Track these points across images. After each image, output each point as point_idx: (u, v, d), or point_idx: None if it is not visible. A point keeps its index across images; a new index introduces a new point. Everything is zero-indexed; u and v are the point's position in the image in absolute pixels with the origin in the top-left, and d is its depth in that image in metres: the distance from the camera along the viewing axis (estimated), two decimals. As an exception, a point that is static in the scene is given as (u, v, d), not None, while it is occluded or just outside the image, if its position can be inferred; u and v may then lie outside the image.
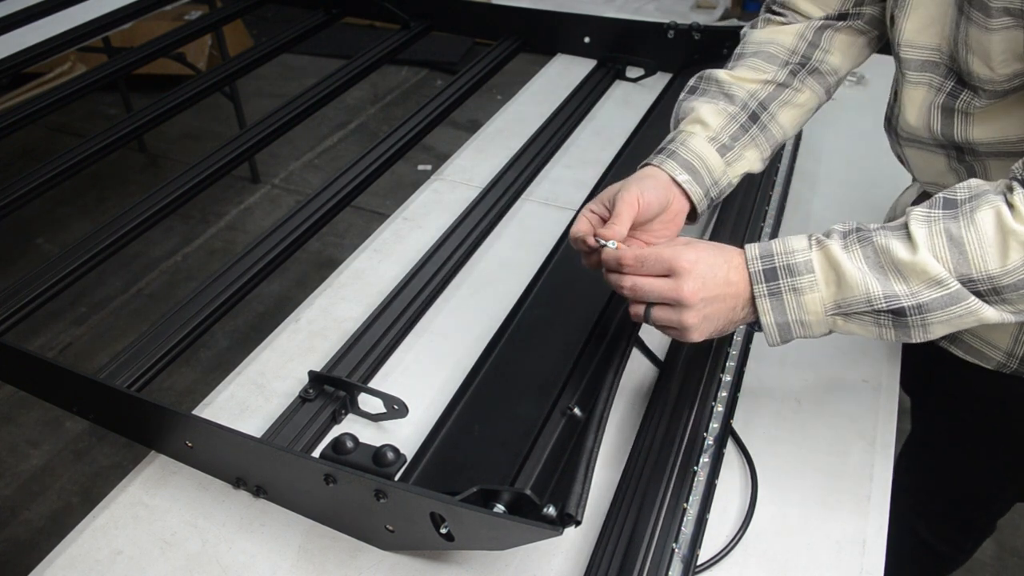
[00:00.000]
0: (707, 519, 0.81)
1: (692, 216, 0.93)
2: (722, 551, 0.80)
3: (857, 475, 0.88)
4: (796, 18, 1.00)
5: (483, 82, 1.66)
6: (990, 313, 0.70)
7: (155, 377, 0.99)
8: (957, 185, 0.73)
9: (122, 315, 2.72)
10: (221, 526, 0.83)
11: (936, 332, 0.72)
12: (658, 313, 0.78)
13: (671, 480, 0.82)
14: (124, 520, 0.83)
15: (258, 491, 0.85)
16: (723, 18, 4.04)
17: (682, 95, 1.00)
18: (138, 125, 1.52)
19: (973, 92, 0.81)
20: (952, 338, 1.01)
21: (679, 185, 0.90)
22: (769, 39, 1.00)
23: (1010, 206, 0.68)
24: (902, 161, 0.99)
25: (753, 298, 0.76)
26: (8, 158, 3.42)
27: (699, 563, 0.78)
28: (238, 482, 0.86)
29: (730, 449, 0.90)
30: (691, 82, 1.00)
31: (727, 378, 0.95)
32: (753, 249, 0.77)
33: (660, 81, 1.64)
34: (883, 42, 0.99)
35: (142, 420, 0.90)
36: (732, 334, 1.00)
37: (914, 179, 1.03)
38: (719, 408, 0.91)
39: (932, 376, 1.14)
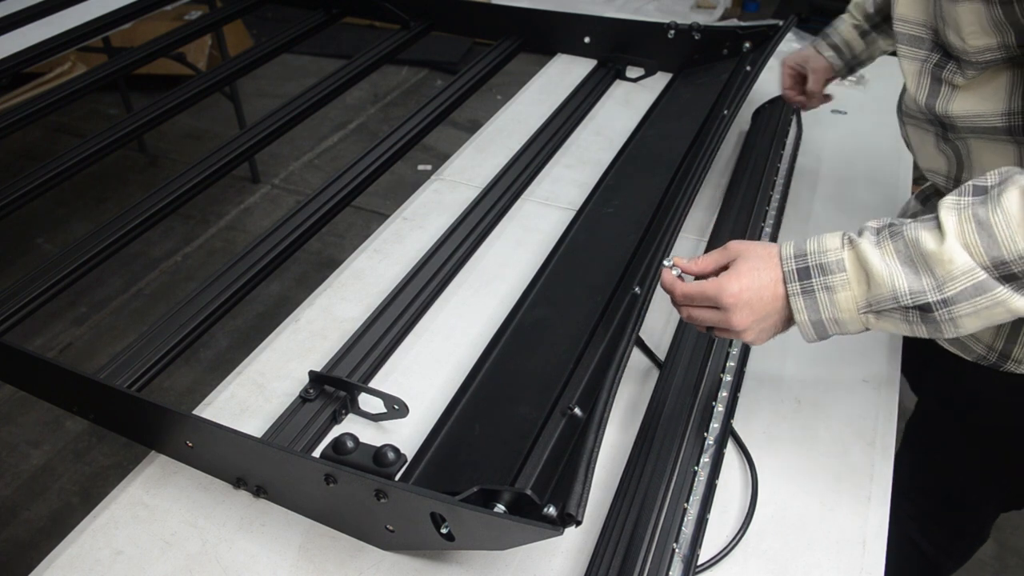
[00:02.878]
0: (707, 519, 0.81)
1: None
2: (722, 551, 0.80)
3: (857, 475, 0.88)
4: None
5: (483, 82, 1.66)
6: (1019, 303, 0.69)
7: (155, 377, 0.99)
8: (989, 172, 0.73)
9: (122, 315, 2.71)
10: (221, 526, 0.83)
11: (967, 326, 0.72)
12: (719, 333, 0.83)
13: (671, 480, 0.82)
14: (124, 520, 0.83)
15: (258, 491, 0.85)
16: (723, 18, 4.04)
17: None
18: (138, 125, 1.52)
19: (956, 64, 0.84)
20: None
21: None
22: None
23: None
24: (908, 145, 1.01)
25: (787, 295, 0.78)
26: (8, 158, 3.42)
27: (699, 563, 0.78)
28: (238, 482, 0.86)
29: (730, 449, 0.90)
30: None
31: (727, 378, 0.95)
32: (788, 248, 0.79)
33: (660, 81, 1.64)
34: None
35: (142, 420, 0.90)
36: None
37: (916, 166, 1.05)
38: (719, 408, 0.92)
39: (924, 372, 1.14)
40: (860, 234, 0.76)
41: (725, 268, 0.81)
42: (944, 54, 0.86)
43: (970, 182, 0.72)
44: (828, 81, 1.31)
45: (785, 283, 0.77)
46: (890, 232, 0.74)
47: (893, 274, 0.72)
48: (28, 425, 2.32)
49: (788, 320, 0.80)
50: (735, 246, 0.82)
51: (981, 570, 1.89)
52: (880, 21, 1.22)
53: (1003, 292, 0.68)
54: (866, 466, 0.89)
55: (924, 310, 0.71)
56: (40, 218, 3.09)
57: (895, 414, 0.96)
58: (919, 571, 1.30)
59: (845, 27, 1.25)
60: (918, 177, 1.18)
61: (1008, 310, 0.69)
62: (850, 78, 1.64)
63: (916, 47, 0.88)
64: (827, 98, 1.34)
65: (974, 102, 0.84)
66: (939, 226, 0.71)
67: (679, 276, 0.84)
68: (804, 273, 0.76)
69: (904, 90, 0.96)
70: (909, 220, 0.74)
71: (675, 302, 0.84)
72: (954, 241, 0.69)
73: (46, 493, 2.14)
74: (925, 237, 0.71)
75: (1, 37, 1.76)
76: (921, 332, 0.74)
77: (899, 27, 0.90)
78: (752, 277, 0.78)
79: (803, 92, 1.32)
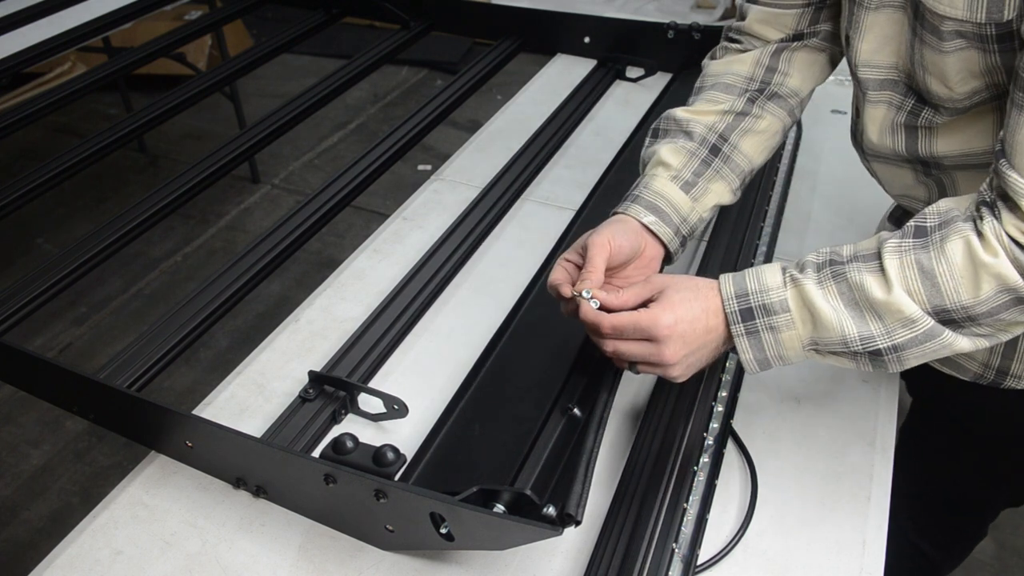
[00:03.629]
0: (707, 519, 0.81)
1: (668, 259, 0.93)
2: (722, 551, 0.80)
3: (857, 475, 0.88)
4: (753, 43, 0.99)
5: (483, 82, 1.66)
6: (964, 344, 0.71)
7: (155, 377, 0.99)
8: (926, 210, 0.73)
9: (122, 315, 2.72)
10: (221, 526, 0.83)
11: (912, 364, 0.74)
12: (643, 368, 0.81)
13: (671, 480, 0.82)
14: (124, 520, 0.83)
15: (258, 491, 0.85)
16: (723, 18, 4.04)
17: (647, 140, 0.99)
18: (138, 125, 1.52)
19: (934, 109, 0.81)
20: None
21: (647, 228, 0.89)
22: (725, 70, 0.98)
23: (980, 235, 0.68)
24: (871, 174, 0.98)
25: (730, 335, 0.77)
26: (8, 158, 3.42)
27: (699, 563, 0.78)
28: (238, 482, 0.86)
29: (730, 449, 0.90)
30: (654, 124, 0.99)
31: (727, 378, 0.95)
32: (728, 287, 0.77)
33: (660, 81, 1.64)
34: (843, 57, 0.97)
35: (142, 420, 0.90)
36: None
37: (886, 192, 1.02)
38: (719, 408, 0.92)
39: (916, 382, 1.13)
40: (802, 270, 0.75)
41: (646, 304, 0.79)
42: (919, 99, 0.82)
43: (911, 222, 0.73)
44: (616, 261, 0.86)
45: (727, 324, 0.76)
46: (832, 272, 0.73)
47: (841, 320, 0.72)
48: (28, 425, 2.32)
49: (715, 354, 0.80)
50: (658, 279, 0.80)
51: (981, 570, 1.89)
52: (716, 144, 0.94)
53: (948, 336, 0.71)
54: (866, 466, 0.89)
55: (874, 355, 0.73)
56: (40, 218, 3.09)
57: (895, 414, 0.96)
58: (918, 571, 1.30)
59: (661, 183, 0.91)
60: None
61: (951, 350, 0.72)
62: (848, 78, 1.64)
63: (889, 90, 0.84)
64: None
65: (962, 141, 0.81)
66: (882, 270, 0.71)
67: (599, 309, 0.80)
68: (747, 314, 0.75)
69: (860, 129, 0.91)
70: (849, 257, 0.73)
71: (600, 334, 0.79)
72: (899, 289, 0.70)
73: (46, 493, 2.14)
74: (870, 282, 0.71)
75: (1, 37, 1.76)
76: (866, 368, 0.75)
77: (865, 72, 0.85)
78: (685, 308, 0.76)
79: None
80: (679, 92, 1.56)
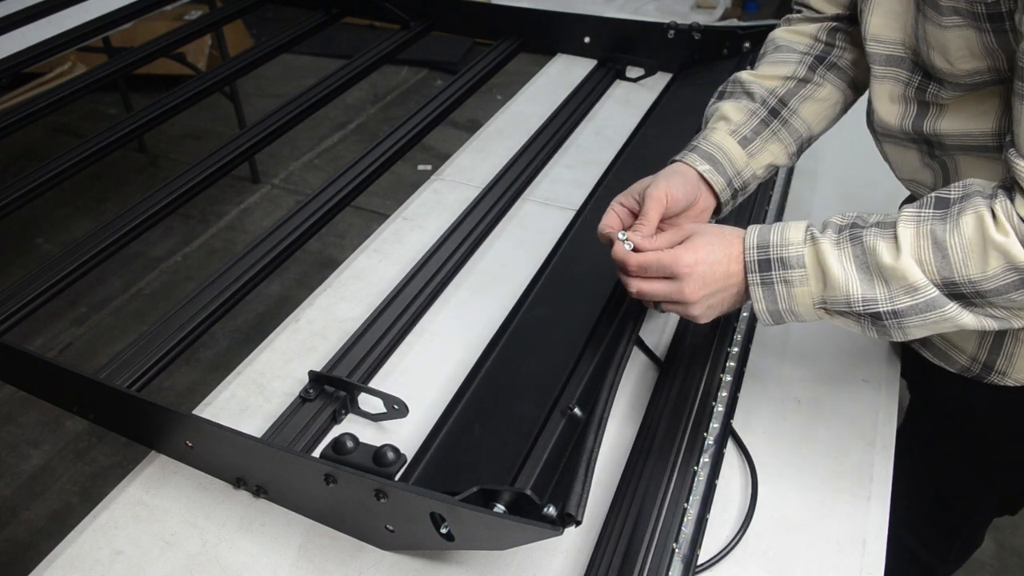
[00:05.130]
0: (707, 519, 0.81)
1: (719, 210, 0.96)
2: (722, 551, 0.80)
3: (857, 475, 0.88)
4: (812, 14, 1.02)
5: (483, 82, 1.66)
6: (968, 319, 0.72)
7: (155, 377, 0.99)
8: (952, 184, 0.74)
9: (122, 315, 2.72)
10: (221, 526, 0.83)
11: (915, 334, 0.75)
12: (667, 307, 0.84)
13: (671, 480, 0.82)
14: (124, 520, 0.83)
15: (258, 491, 0.85)
16: (723, 18, 4.04)
17: (712, 100, 1.03)
18: (138, 125, 1.52)
19: (939, 84, 0.82)
20: (923, 340, 1.01)
21: (702, 177, 0.93)
22: (787, 38, 1.02)
23: (993, 213, 0.70)
24: (884, 157, 0.99)
25: (747, 283, 0.80)
26: (8, 158, 3.42)
27: (699, 563, 0.78)
28: (238, 482, 0.86)
29: (730, 449, 0.90)
30: (720, 87, 1.03)
31: (727, 378, 0.95)
32: (752, 237, 0.80)
33: (660, 81, 1.64)
34: None
35: (142, 420, 0.90)
36: (733, 332, 1.00)
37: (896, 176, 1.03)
38: (719, 408, 0.91)
39: (916, 375, 1.14)
40: (823, 230, 0.77)
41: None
42: (925, 75, 0.83)
43: (933, 193, 0.74)
44: (672, 212, 0.89)
45: (745, 272, 0.79)
46: (851, 235, 0.75)
47: (849, 279, 0.74)
48: (28, 425, 2.32)
49: (736, 300, 0.82)
50: (689, 226, 0.84)
51: (981, 570, 1.89)
52: (776, 107, 0.97)
53: (952, 309, 0.72)
54: (866, 466, 0.89)
55: (875, 317, 0.74)
56: (40, 218, 3.09)
57: (895, 414, 0.96)
58: (915, 575, 1.30)
59: (720, 136, 0.95)
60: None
61: (954, 324, 0.73)
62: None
63: (895, 67, 0.86)
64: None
65: (963, 120, 0.82)
66: (895, 237, 0.72)
67: (632, 251, 0.84)
68: (765, 265, 0.78)
69: (872, 108, 0.92)
70: (872, 223, 0.75)
71: (627, 273, 0.84)
72: (908, 257, 0.71)
73: (46, 493, 2.14)
74: (881, 248, 0.72)
75: (1, 37, 1.76)
76: (871, 334, 0.77)
77: (873, 47, 0.87)
78: (707, 251, 0.80)
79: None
80: (679, 92, 1.56)
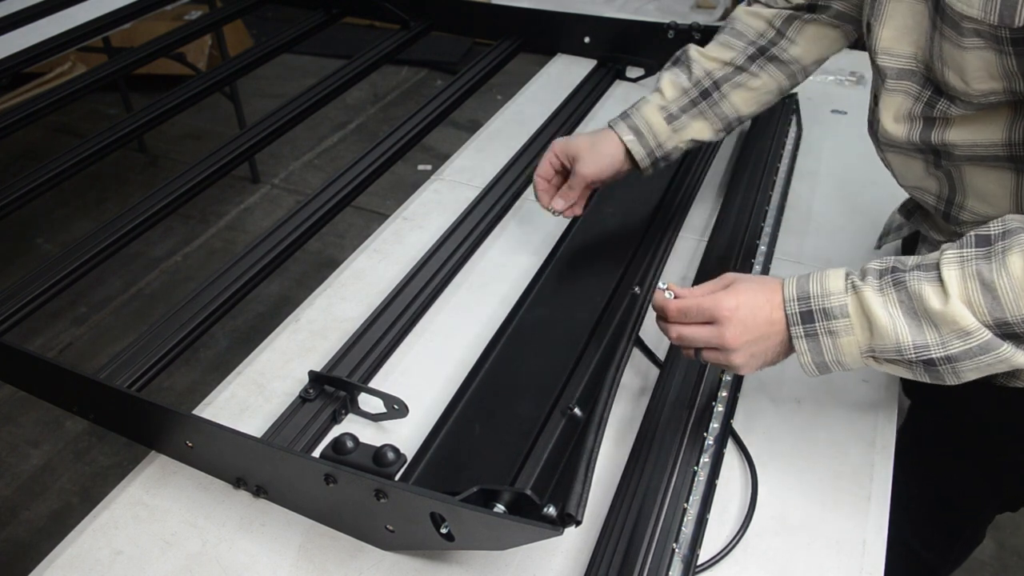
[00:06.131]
0: (707, 519, 0.81)
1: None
2: (722, 551, 0.80)
3: (857, 475, 0.88)
4: (776, 1, 1.06)
5: (483, 82, 1.66)
6: (1022, 359, 0.70)
7: (155, 377, 0.99)
8: (990, 222, 0.72)
9: (122, 315, 2.71)
10: (221, 526, 0.83)
11: (968, 377, 0.72)
12: (707, 355, 0.81)
13: (671, 480, 0.82)
14: (124, 520, 0.83)
15: (258, 491, 0.85)
16: (723, 18, 4.04)
17: (667, 63, 1.11)
18: (138, 125, 1.52)
19: (950, 101, 0.81)
20: None
21: (626, 147, 1.05)
22: (744, 21, 1.08)
23: None
24: (886, 165, 0.99)
25: (790, 337, 0.77)
26: (8, 158, 3.42)
27: (699, 563, 0.78)
28: (238, 482, 0.86)
29: (730, 449, 0.90)
30: (676, 53, 1.11)
31: (727, 378, 0.95)
32: (791, 289, 0.77)
33: (660, 81, 1.64)
34: (856, 38, 1.03)
35: (142, 420, 0.90)
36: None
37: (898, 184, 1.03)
38: (719, 408, 0.92)
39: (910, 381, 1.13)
40: (863, 277, 0.75)
41: None
42: (936, 90, 0.82)
43: (972, 233, 0.72)
44: (598, 184, 1.08)
45: (788, 324, 0.77)
46: (893, 280, 0.73)
47: (897, 327, 0.72)
48: (28, 425, 2.32)
49: (780, 351, 0.79)
50: (730, 275, 0.82)
51: (981, 570, 1.89)
52: (708, 89, 1.05)
53: (1007, 350, 0.69)
54: (866, 466, 0.89)
55: (928, 364, 0.72)
56: (40, 218, 3.09)
57: (895, 414, 0.96)
58: (915, 575, 1.29)
59: (650, 109, 1.06)
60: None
61: (1009, 365, 0.70)
62: (849, 78, 1.64)
63: (907, 80, 0.85)
64: (574, 210, 1.10)
65: (972, 131, 0.81)
66: (941, 280, 0.70)
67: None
68: (807, 316, 0.76)
69: (876, 118, 0.92)
70: (912, 266, 0.73)
71: (666, 319, 0.83)
72: (957, 301, 0.69)
73: (46, 493, 2.14)
74: (928, 292, 0.70)
75: (1, 37, 1.76)
76: (923, 379, 0.74)
77: (884, 60, 0.86)
78: (748, 296, 0.78)
79: (555, 191, 1.10)
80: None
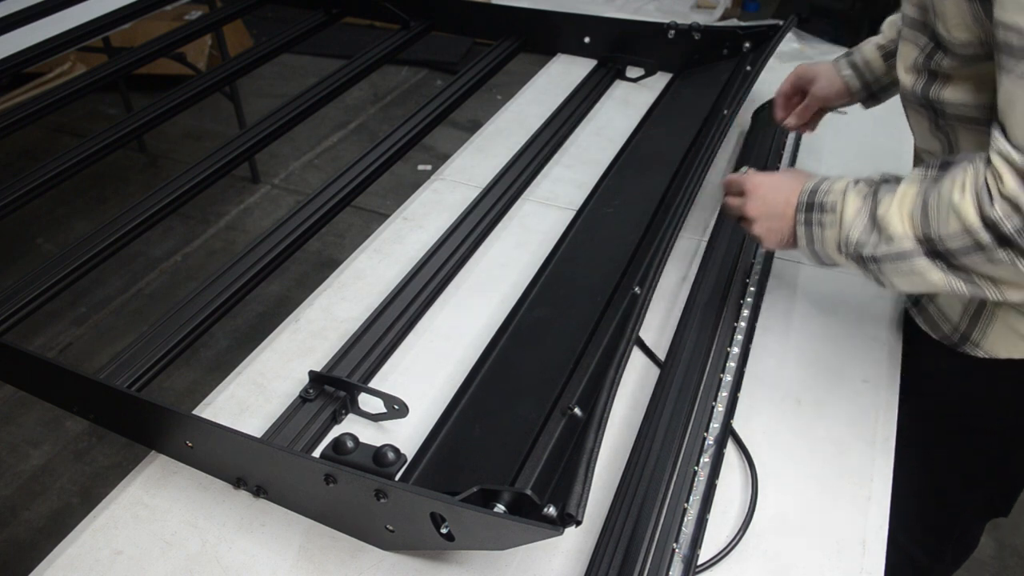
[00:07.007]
0: (707, 519, 0.81)
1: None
2: (722, 551, 0.80)
3: (857, 475, 0.88)
4: None
5: (483, 82, 1.66)
6: (937, 277, 0.76)
7: (155, 377, 0.99)
8: (963, 151, 0.80)
9: (122, 315, 2.71)
10: (221, 526, 0.83)
11: (898, 285, 0.81)
12: (742, 225, 0.96)
13: (671, 480, 0.82)
14: (124, 520, 0.83)
15: (258, 491, 0.85)
16: (723, 18, 4.04)
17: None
18: (138, 125, 1.52)
19: (943, 53, 0.85)
20: (919, 307, 1.04)
21: (843, 79, 1.18)
22: None
23: (964, 177, 0.74)
24: (908, 122, 1.02)
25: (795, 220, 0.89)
26: (8, 158, 3.42)
27: (699, 563, 0.78)
28: (238, 482, 0.86)
29: (730, 449, 0.90)
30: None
31: (727, 378, 0.95)
32: (812, 181, 0.89)
33: (660, 81, 1.64)
34: None
35: (142, 420, 0.90)
36: (734, 332, 1.01)
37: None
38: (719, 408, 0.92)
39: (906, 360, 1.14)
40: (856, 183, 0.83)
41: None
42: (936, 44, 0.86)
43: (943, 158, 0.79)
44: (828, 108, 1.24)
45: (795, 210, 0.88)
46: (875, 189, 0.82)
47: (854, 225, 0.81)
48: (28, 425, 2.31)
49: (792, 235, 0.90)
50: (785, 169, 0.96)
51: (981, 570, 1.89)
52: None
53: (922, 263, 0.76)
54: (866, 466, 0.89)
55: (860, 261, 0.81)
56: (40, 218, 3.09)
57: (895, 414, 0.96)
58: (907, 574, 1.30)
59: (869, 47, 1.18)
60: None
61: (925, 281, 0.77)
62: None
63: (917, 30, 0.89)
64: (807, 127, 1.27)
65: (964, 92, 0.86)
66: (895, 192, 0.79)
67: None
68: (809, 207, 0.87)
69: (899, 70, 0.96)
70: (893, 179, 0.81)
71: (725, 191, 0.99)
72: (895, 210, 0.78)
73: (46, 493, 2.14)
74: (884, 201, 0.79)
75: (1, 37, 1.76)
76: (870, 279, 0.83)
77: (905, 8, 0.90)
78: (777, 180, 0.93)
79: (792, 108, 1.26)
80: (679, 92, 1.56)
